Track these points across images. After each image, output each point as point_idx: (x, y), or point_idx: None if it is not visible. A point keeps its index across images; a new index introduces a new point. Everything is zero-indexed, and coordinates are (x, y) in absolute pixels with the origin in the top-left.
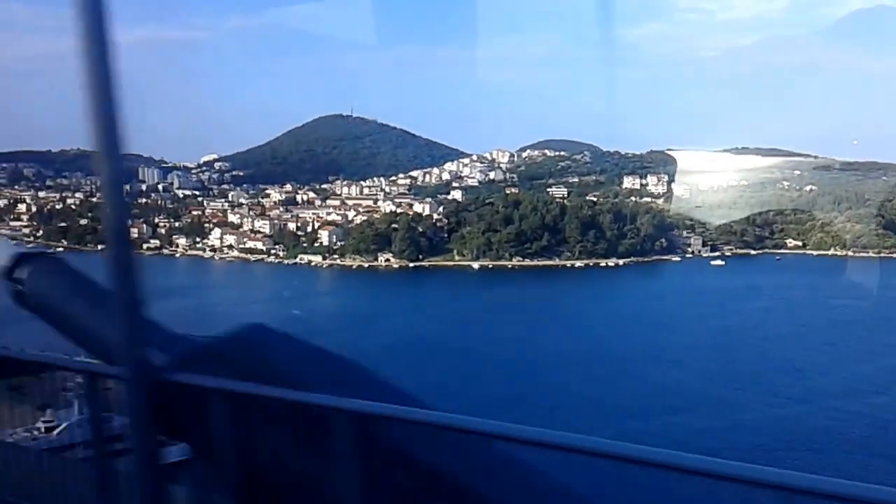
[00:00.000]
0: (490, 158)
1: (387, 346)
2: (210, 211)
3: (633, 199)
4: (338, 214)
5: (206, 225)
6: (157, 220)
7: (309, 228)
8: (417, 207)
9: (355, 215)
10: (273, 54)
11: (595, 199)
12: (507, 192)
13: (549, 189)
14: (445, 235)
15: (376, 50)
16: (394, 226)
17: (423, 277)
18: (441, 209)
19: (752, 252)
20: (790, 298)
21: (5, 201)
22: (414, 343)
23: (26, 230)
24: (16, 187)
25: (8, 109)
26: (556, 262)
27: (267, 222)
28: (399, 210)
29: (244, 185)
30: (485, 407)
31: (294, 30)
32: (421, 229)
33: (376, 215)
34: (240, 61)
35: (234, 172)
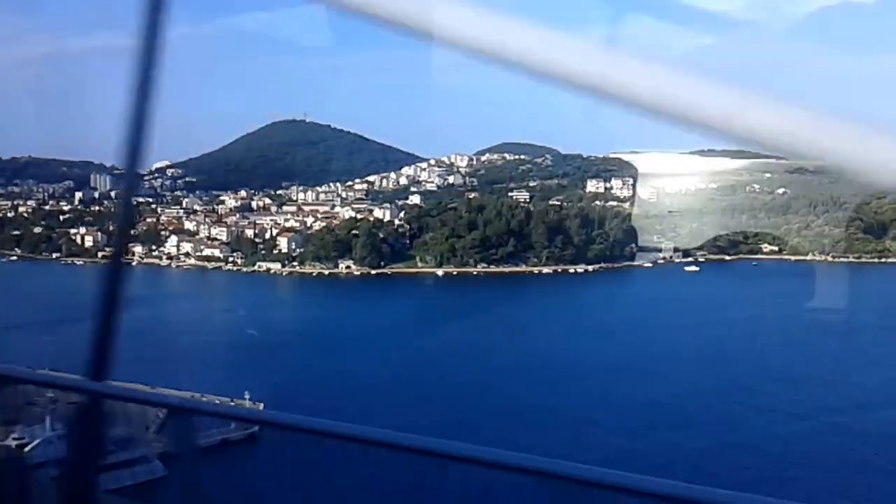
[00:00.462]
0: (448, 163)
1: (352, 358)
2: (165, 218)
3: (598, 203)
4: (296, 221)
5: (162, 232)
6: (111, 229)
7: (267, 235)
8: (378, 213)
9: (314, 222)
10: (224, 60)
11: (560, 204)
12: (470, 196)
13: (510, 193)
14: (407, 242)
15: (329, 54)
16: (354, 232)
17: (385, 284)
18: (402, 215)
19: (727, 257)
20: (776, 305)
21: None
22: (381, 354)
23: None
24: None
25: None
26: (523, 268)
27: (224, 229)
28: (359, 216)
29: (197, 192)
30: (450, 421)
31: (244, 35)
32: (382, 235)
33: (336, 222)
34: (190, 67)
35: (186, 179)
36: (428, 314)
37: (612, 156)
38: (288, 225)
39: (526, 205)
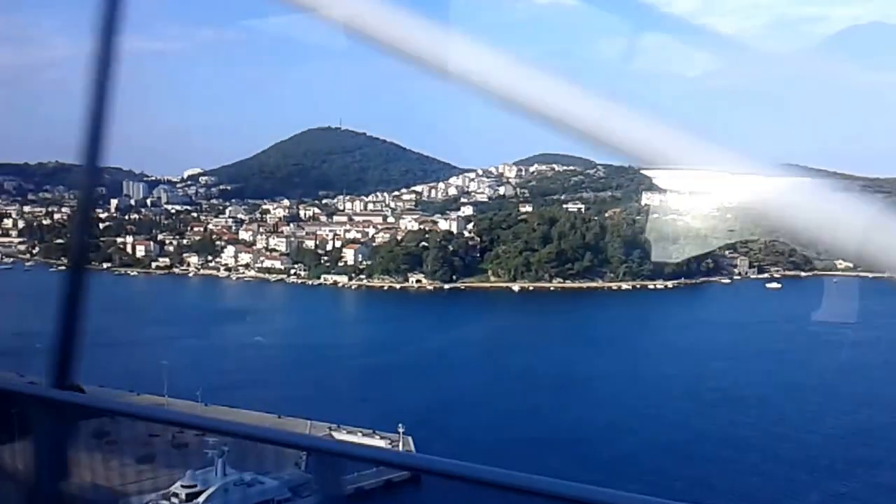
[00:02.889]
0: (497, 173)
1: (464, 378)
2: (215, 227)
3: (656, 215)
4: (357, 232)
5: (217, 242)
6: (160, 237)
7: (329, 246)
8: (443, 224)
9: (375, 233)
10: (252, 65)
11: (633, 218)
12: (522, 208)
13: (564, 205)
14: (478, 255)
15: (355, 60)
16: (423, 244)
17: (461, 300)
18: (471, 226)
19: (802, 274)
20: (891, 327)
21: None
22: (489, 374)
23: (21, 247)
24: None
25: None
26: (600, 283)
27: (283, 240)
28: (425, 227)
29: (233, 200)
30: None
31: (274, 40)
32: (452, 248)
33: (400, 233)
34: (215, 72)
35: (220, 186)
36: (515, 333)
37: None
38: (349, 236)
39: (597, 218)
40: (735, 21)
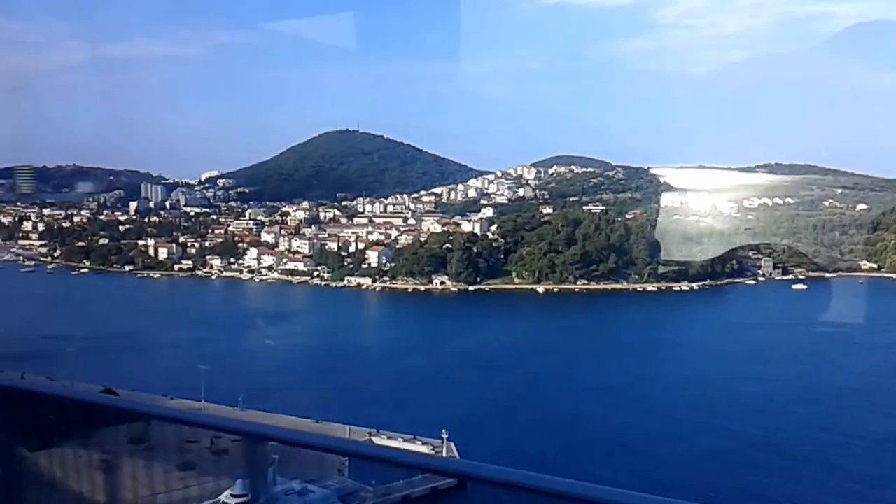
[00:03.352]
0: (516, 175)
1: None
2: (235, 230)
3: (677, 216)
4: (380, 234)
5: (240, 245)
6: (182, 240)
7: (351, 248)
8: (466, 226)
9: (398, 235)
10: (267, 68)
11: (650, 218)
12: (543, 209)
13: (584, 207)
14: (502, 256)
15: (369, 62)
16: (447, 246)
17: (486, 301)
18: (494, 228)
19: (826, 275)
20: None
21: (10, 218)
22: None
23: (42, 249)
24: (18, 204)
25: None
26: (625, 285)
27: (305, 242)
28: (449, 229)
29: (251, 202)
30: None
31: (289, 42)
32: (476, 250)
33: (423, 235)
34: (230, 76)
35: (238, 189)
36: (545, 335)
37: (683, 168)
38: (371, 238)
39: (620, 219)
40: (741, 20)
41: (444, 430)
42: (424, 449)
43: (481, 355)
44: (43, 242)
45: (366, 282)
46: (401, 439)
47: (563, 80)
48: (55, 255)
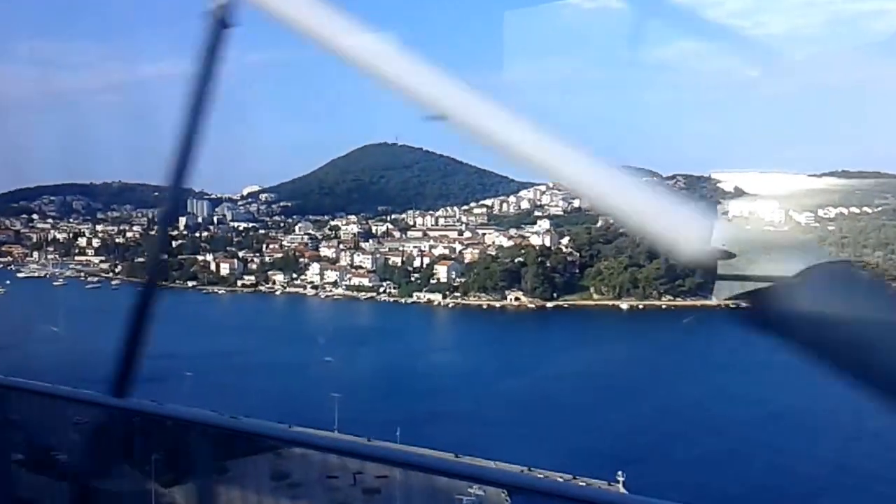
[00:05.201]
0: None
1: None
2: (289, 244)
3: (748, 228)
4: (445, 248)
5: (301, 260)
6: (241, 255)
7: (416, 263)
8: (535, 240)
9: (462, 249)
10: (300, 85)
11: None
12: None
13: None
14: (577, 271)
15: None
16: (519, 260)
17: (566, 319)
18: (568, 241)
19: None
20: None
21: (64, 235)
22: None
23: (103, 265)
24: (70, 220)
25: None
26: (715, 301)
27: (368, 257)
28: (515, 243)
29: (294, 216)
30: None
31: (318, 59)
32: (550, 264)
33: (491, 249)
34: (267, 92)
35: (281, 203)
36: (651, 354)
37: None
38: (436, 252)
39: None
40: (787, 20)
41: (620, 473)
42: None
43: (595, 377)
44: (102, 258)
45: (436, 298)
46: (559, 479)
47: (604, 87)
48: (116, 271)
